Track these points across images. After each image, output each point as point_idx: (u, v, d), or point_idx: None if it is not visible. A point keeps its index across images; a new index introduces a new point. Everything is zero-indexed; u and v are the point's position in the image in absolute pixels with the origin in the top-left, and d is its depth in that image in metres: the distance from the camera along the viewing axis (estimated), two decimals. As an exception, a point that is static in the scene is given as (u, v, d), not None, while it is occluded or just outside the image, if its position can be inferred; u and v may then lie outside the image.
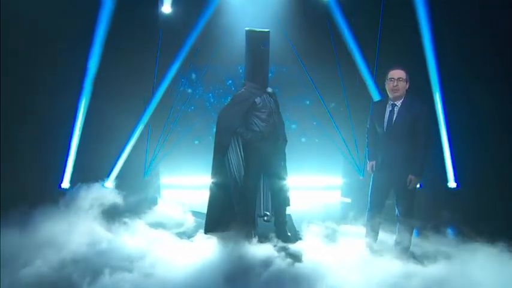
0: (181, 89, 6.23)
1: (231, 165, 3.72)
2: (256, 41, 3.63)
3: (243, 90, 3.80)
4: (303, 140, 6.32)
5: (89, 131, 5.30)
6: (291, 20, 5.62)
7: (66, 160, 5.21)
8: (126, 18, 5.28)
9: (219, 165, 3.74)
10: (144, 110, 5.67)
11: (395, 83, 3.39)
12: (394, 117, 3.43)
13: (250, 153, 3.73)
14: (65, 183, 5.20)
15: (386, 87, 3.48)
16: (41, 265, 3.28)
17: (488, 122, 5.03)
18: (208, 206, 3.83)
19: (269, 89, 3.85)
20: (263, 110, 3.70)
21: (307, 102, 6.29)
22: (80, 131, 5.25)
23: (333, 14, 5.43)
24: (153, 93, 5.72)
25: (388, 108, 3.48)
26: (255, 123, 3.71)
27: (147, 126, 5.76)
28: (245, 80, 3.84)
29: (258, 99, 3.69)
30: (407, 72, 3.45)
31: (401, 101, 3.44)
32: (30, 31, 4.89)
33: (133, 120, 5.62)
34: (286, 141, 3.97)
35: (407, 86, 3.45)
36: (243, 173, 3.71)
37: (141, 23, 5.55)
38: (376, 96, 5.29)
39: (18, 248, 3.48)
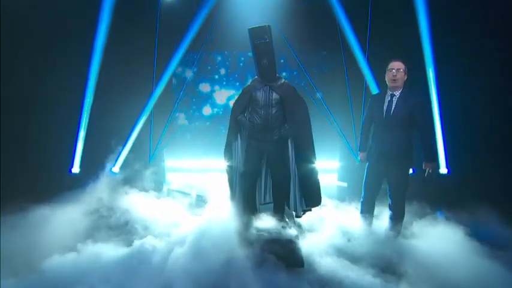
0: (183, 75, 6.39)
1: (236, 153, 3.98)
2: (256, 37, 3.66)
3: (249, 83, 4.00)
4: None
5: (96, 118, 5.47)
6: (291, 8, 5.74)
7: (76, 146, 5.41)
8: (128, 7, 5.35)
9: (228, 150, 4.02)
10: (149, 96, 5.83)
11: (394, 73, 3.56)
12: (393, 106, 3.61)
13: (250, 142, 3.94)
14: (75, 168, 5.43)
15: (386, 78, 3.66)
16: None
17: (480, 110, 5.15)
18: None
19: (280, 81, 3.86)
20: (258, 103, 3.84)
21: (305, 86, 6.41)
22: (87, 118, 5.41)
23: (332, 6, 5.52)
24: (156, 80, 5.86)
25: (387, 99, 3.65)
26: (252, 115, 3.90)
27: (151, 112, 5.93)
28: None
29: (255, 93, 3.85)
30: (406, 64, 3.61)
31: (399, 91, 3.61)
32: (37, 21, 5.02)
33: (138, 107, 5.79)
34: (288, 134, 3.88)
35: (406, 77, 3.62)
36: (243, 161, 3.96)
37: (142, 12, 5.64)
38: (371, 84, 5.46)
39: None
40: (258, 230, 3.81)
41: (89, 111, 5.43)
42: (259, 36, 3.63)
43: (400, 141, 3.61)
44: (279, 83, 3.86)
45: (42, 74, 5.13)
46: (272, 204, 4.17)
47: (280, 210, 4.06)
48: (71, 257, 3.39)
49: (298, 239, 3.76)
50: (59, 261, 3.28)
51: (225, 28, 5.81)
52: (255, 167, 3.99)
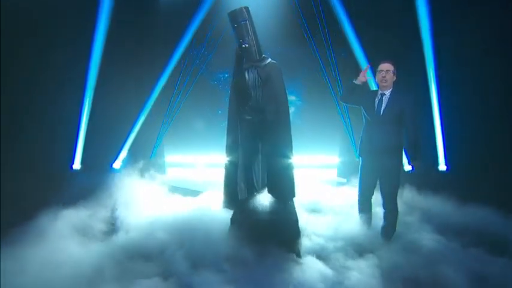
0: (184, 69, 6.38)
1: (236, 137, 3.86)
2: (235, 20, 3.63)
3: (234, 64, 3.86)
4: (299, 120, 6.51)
5: (97, 115, 5.52)
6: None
7: (76, 143, 5.47)
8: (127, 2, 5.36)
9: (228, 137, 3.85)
10: (150, 92, 5.87)
11: (384, 74, 3.71)
12: (383, 106, 3.73)
13: (244, 124, 3.80)
14: (76, 165, 5.49)
15: (376, 79, 3.80)
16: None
17: (479, 107, 5.13)
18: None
19: (265, 62, 3.75)
20: (247, 85, 3.75)
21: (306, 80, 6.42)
22: (88, 114, 5.47)
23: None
24: (157, 76, 5.89)
25: (377, 98, 3.77)
26: (243, 97, 3.79)
27: (152, 108, 5.96)
28: None
29: (244, 74, 3.75)
30: (395, 66, 3.74)
31: (389, 91, 3.75)
32: (38, 17, 5.04)
33: (139, 103, 5.85)
34: (277, 116, 3.67)
35: (395, 78, 3.75)
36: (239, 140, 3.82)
37: (142, 6, 5.65)
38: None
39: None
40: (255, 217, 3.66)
41: (89, 107, 5.46)
42: (237, 19, 3.62)
43: (390, 139, 3.70)
44: (263, 63, 3.76)
45: (43, 71, 5.16)
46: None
47: (281, 199, 3.73)
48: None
49: (297, 229, 3.67)
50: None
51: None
52: (249, 152, 3.79)
